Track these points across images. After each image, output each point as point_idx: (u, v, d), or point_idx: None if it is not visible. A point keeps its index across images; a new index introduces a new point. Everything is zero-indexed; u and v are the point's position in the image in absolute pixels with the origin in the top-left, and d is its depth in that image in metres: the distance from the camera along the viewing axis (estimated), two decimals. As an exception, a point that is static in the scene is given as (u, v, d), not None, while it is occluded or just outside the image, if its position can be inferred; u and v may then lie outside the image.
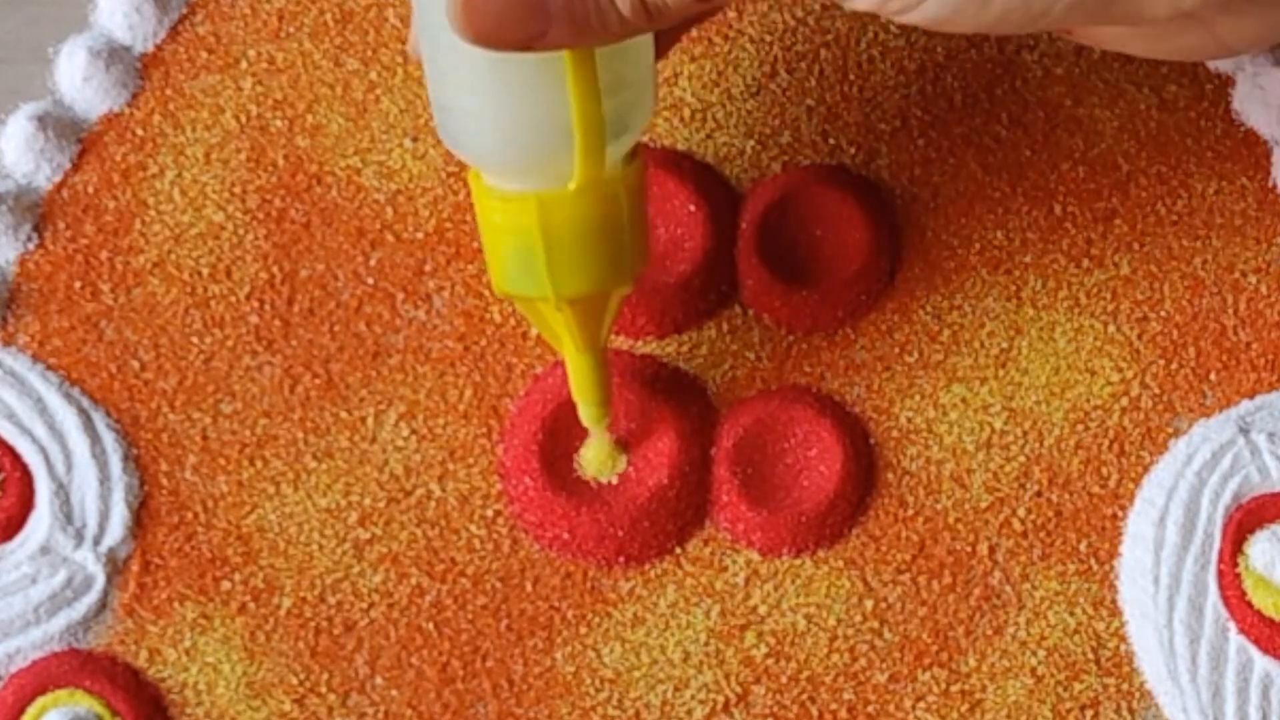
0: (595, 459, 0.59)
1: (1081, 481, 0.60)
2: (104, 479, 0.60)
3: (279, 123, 0.62)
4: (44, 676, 0.58)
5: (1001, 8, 0.49)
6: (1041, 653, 0.59)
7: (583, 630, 0.59)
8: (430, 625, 0.59)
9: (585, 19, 0.49)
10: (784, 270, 0.60)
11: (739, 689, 0.59)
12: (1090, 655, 0.59)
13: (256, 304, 0.61)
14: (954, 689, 0.59)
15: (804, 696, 0.59)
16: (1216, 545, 0.58)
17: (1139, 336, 0.61)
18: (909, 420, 0.60)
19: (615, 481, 0.59)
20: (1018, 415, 0.60)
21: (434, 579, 0.60)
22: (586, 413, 0.58)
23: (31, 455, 0.60)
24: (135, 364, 0.61)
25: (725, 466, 0.60)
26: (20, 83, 0.62)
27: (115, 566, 0.59)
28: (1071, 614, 0.59)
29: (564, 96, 0.51)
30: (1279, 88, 0.61)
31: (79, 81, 0.62)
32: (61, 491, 0.59)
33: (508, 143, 0.52)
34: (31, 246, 0.61)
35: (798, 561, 0.60)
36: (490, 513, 0.60)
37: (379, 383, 0.61)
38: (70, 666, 0.59)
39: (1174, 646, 0.58)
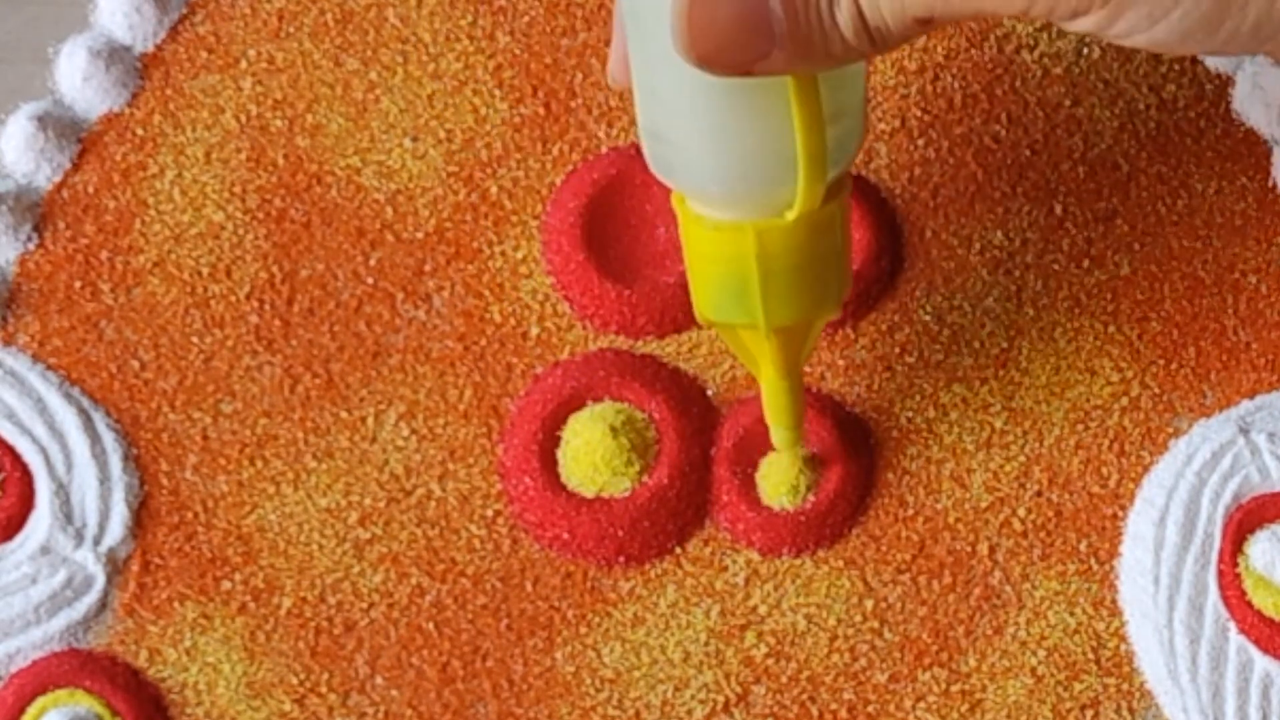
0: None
1: (1081, 481, 0.60)
2: (104, 479, 0.60)
3: (279, 123, 0.62)
4: (44, 676, 0.58)
5: (1228, 33, 0.48)
6: (1041, 653, 0.59)
7: (583, 630, 0.59)
8: (430, 625, 0.59)
9: (809, 42, 0.48)
10: (784, 270, 0.60)
11: (739, 689, 0.59)
12: (1090, 655, 0.59)
13: (256, 304, 0.61)
14: (954, 689, 0.59)
15: (804, 696, 0.59)
16: (1216, 545, 0.58)
17: (1139, 336, 0.61)
18: (909, 420, 0.60)
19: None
20: (1018, 415, 0.60)
21: (434, 579, 0.60)
22: (780, 436, 0.57)
23: (31, 455, 0.60)
24: (135, 364, 0.61)
25: (725, 466, 0.60)
26: (20, 83, 0.62)
27: (115, 566, 0.59)
28: (1071, 614, 0.59)
29: (787, 125, 0.50)
30: (1279, 88, 0.61)
31: (79, 81, 0.62)
32: (61, 491, 0.59)
33: (726, 172, 0.51)
34: (31, 246, 0.61)
35: (798, 561, 0.60)
36: (490, 513, 0.60)
37: (379, 383, 0.61)
38: (70, 666, 0.59)
39: (1174, 646, 0.58)
